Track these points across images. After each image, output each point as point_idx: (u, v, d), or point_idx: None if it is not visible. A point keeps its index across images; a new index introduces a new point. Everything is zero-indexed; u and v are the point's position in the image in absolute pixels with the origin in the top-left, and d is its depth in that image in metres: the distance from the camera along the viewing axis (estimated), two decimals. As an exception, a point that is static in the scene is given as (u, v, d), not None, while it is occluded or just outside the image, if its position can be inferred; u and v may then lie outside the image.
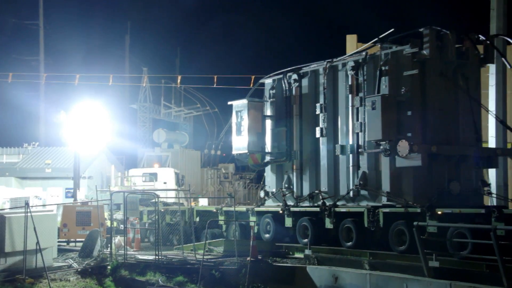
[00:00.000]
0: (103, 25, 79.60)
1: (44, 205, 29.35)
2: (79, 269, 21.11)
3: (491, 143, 25.53)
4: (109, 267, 21.14)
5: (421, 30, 20.25)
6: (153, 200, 28.64)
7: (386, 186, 20.57)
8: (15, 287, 19.10)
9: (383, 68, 20.69)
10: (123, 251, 22.07)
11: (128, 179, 39.34)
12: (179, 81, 38.12)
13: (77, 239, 27.23)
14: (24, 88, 51.45)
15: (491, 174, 25.18)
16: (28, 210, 19.67)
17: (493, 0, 25.79)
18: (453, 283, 16.02)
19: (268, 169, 25.45)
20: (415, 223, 17.56)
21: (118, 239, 24.15)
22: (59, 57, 61.08)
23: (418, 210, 19.09)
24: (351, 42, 43.95)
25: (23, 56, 58.23)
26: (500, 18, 25.60)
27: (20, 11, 62.57)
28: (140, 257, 22.43)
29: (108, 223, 25.96)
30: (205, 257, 20.71)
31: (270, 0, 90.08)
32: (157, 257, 21.38)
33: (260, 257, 21.04)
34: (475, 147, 21.08)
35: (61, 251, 24.36)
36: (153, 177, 38.42)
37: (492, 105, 25.66)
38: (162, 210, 27.03)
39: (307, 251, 21.13)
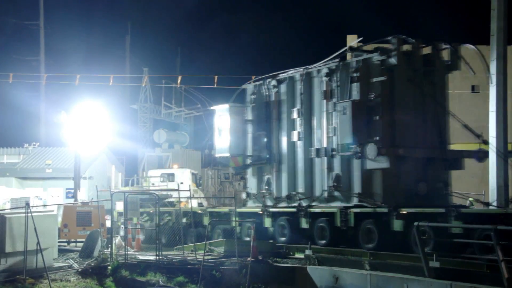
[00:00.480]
0: (104, 25, 79.68)
1: (44, 205, 29.37)
2: (79, 270, 21.10)
3: (492, 143, 25.54)
4: (109, 267, 21.14)
5: (388, 38, 21.41)
6: (168, 200, 29.05)
7: (357, 187, 21.74)
8: (15, 287, 19.10)
9: (354, 75, 21.84)
10: (123, 252, 22.08)
11: (146, 180, 39.57)
12: (179, 81, 38.02)
13: (78, 240, 27.22)
14: (24, 88, 51.41)
15: (491, 175, 25.19)
16: (29, 210, 19.67)
17: (494, 0, 25.80)
18: (453, 283, 16.02)
19: (249, 171, 26.44)
20: (415, 223, 17.63)
21: (118, 240, 24.16)
22: (60, 57, 61.07)
23: (385, 210, 20.16)
24: (352, 41, 43.96)
25: (23, 56, 58.18)
26: (501, 18, 25.59)
27: (20, 11, 62.58)
28: (141, 257, 22.44)
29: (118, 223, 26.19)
30: (205, 257, 20.72)
31: (270, 0, 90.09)
32: (157, 257, 21.39)
33: (260, 258, 21.05)
34: (442, 149, 22.05)
35: (61, 251, 24.37)
36: (171, 177, 38.59)
37: (492, 105, 25.68)
38: (151, 211, 27.36)
39: (308, 252, 21.16)
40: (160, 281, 19.88)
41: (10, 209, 28.99)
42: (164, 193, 30.51)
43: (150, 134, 51.18)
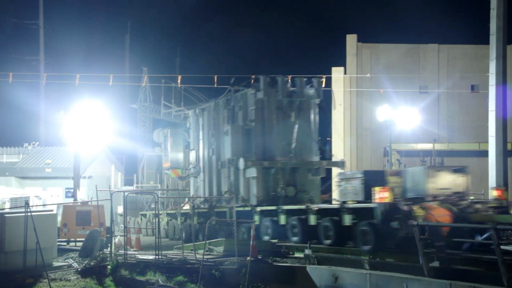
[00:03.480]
0: (103, 24, 79.73)
1: (44, 205, 29.36)
2: (79, 269, 21.06)
3: (491, 142, 25.61)
4: (109, 266, 21.10)
5: (259, 76, 27.97)
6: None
7: (241, 191, 28.13)
8: (15, 286, 19.07)
9: (238, 104, 28.86)
10: (123, 251, 22.06)
11: None
12: (179, 80, 38.00)
13: (77, 239, 27.21)
14: (24, 88, 51.37)
15: (491, 175, 25.21)
16: (28, 209, 19.64)
17: (493, 0, 25.84)
18: (453, 282, 16.00)
19: (190, 180, 33.57)
20: (415, 222, 17.64)
21: (118, 239, 24.13)
22: (59, 56, 61.10)
23: (249, 208, 26.71)
24: (351, 41, 44.02)
25: (23, 55, 58.20)
26: (500, 18, 25.67)
27: (20, 10, 62.57)
28: (140, 256, 22.42)
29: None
30: (205, 256, 20.70)
31: (269, 0, 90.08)
32: (157, 256, 21.37)
33: (260, 257, 21.05)
34: (306, 161, 28.05)
35: (61, 250, 24.33)
36: None
37: (492, 104, 25.72)
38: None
39: (307, 251, 21.16)
40: (160, 281, 19.85)
41: (9, 208, 28.99)
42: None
43: (149, 134, 51.10)
